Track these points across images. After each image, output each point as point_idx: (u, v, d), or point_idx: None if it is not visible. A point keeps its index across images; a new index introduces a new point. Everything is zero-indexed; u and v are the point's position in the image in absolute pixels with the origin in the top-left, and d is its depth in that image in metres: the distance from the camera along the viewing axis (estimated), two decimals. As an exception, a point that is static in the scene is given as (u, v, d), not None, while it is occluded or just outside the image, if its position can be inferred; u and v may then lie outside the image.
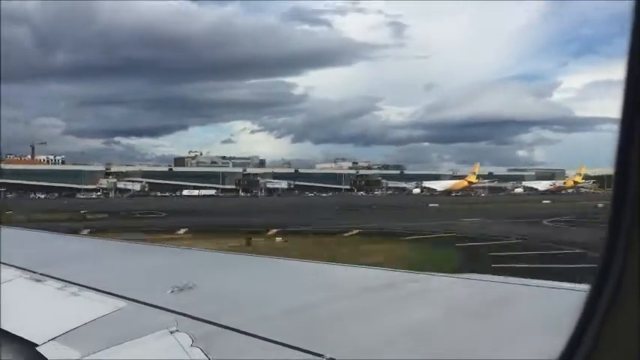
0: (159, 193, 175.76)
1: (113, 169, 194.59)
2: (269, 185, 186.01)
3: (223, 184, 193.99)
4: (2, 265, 5.34)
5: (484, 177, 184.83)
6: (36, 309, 4.39)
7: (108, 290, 4.30)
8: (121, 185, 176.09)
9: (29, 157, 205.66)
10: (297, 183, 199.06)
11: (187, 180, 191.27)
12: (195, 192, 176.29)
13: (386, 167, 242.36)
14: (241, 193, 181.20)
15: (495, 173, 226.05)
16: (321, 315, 3.81)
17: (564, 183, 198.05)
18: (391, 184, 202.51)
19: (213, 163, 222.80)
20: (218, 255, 8.31)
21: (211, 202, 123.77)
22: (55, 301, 4.33)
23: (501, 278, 4.88)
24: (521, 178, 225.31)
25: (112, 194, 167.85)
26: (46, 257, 5.84)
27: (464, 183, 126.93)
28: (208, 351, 3.14)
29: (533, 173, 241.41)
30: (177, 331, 3.41)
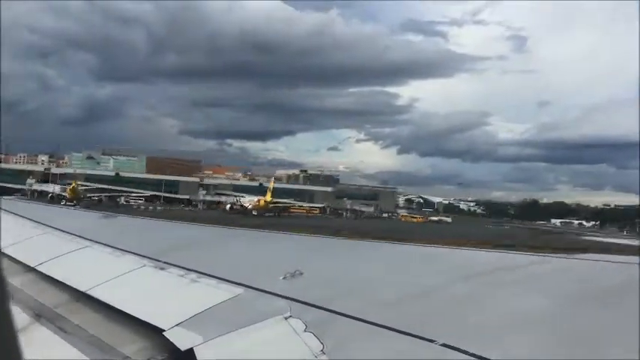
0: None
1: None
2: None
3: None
4: (130, 254, 5.77)
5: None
6: (160, 295, 4.70)
7: (225, 277, 4.49)
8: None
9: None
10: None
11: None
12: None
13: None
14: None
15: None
16: (441, 299, 3.71)
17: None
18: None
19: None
20: (325, 240, 8.41)
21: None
22: (177, 288, 4.60)
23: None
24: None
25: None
26: (168, 246, 6.21)
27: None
28: (321, 336, 3.18)
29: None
30: (291, 317, 3.49)
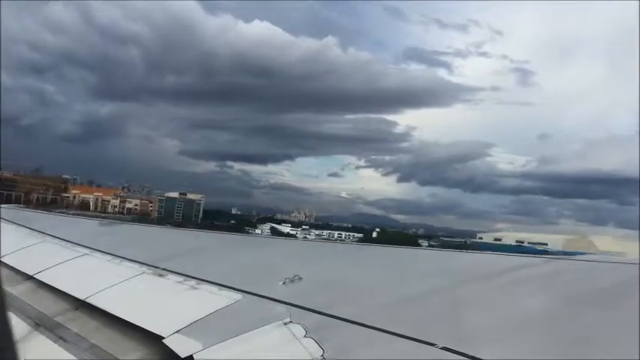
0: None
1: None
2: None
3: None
4: (128, 261, 5.77)
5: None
6: (160, 302, 4.69)
7: (223, 283, 4.49)
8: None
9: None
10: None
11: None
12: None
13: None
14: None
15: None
16: (438, 302, 3.71)
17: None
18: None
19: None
20: (324, 245, 8.41)
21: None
22: (176, 295, 4.59)
23: None
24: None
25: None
26: (166, 252, 6.21)
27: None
28: (322, 341, 3.18)
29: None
30: (291, 322, 3.49)
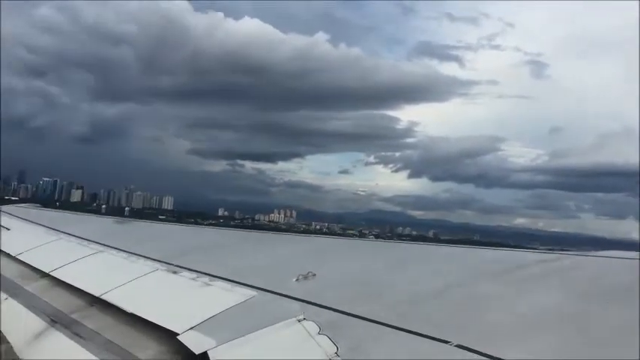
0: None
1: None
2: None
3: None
4: (142, 258, 5.81)
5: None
6: (174, 299, 4.72)
7: (237, 280, 4.50)
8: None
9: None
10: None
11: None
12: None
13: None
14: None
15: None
16: (453, 299, 3.69)
17: None
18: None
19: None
20: (337, 241, 8.40)
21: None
22: (190, 292, 4.61)
23: None
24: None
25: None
26: (179, 249, 6.24)
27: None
28: (335, 339, 3.17)
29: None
30: (305, 319, 3.48)
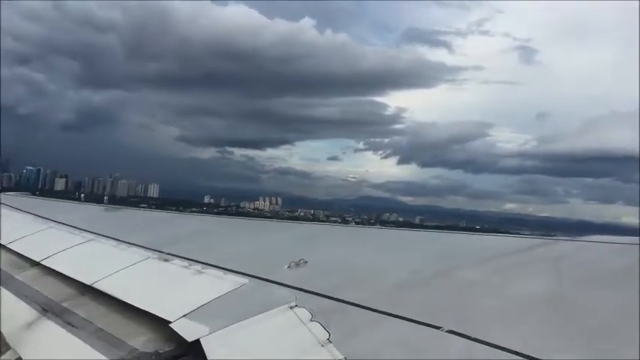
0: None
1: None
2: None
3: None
4: (134, 246, 5.79)
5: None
6: (166, 287, 4.71)
7: (229, 267, 4.50)
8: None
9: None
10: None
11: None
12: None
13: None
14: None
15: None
16: (444, 284, 3.72)
17: None
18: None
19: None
20: (329, 228, 8.42)
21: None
22: (182, 280, 4.61)
23: None
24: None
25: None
26: (171, 237, 6.23)
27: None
28: (328, 325, 3.19)
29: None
30: (297, 306, 3.50)
